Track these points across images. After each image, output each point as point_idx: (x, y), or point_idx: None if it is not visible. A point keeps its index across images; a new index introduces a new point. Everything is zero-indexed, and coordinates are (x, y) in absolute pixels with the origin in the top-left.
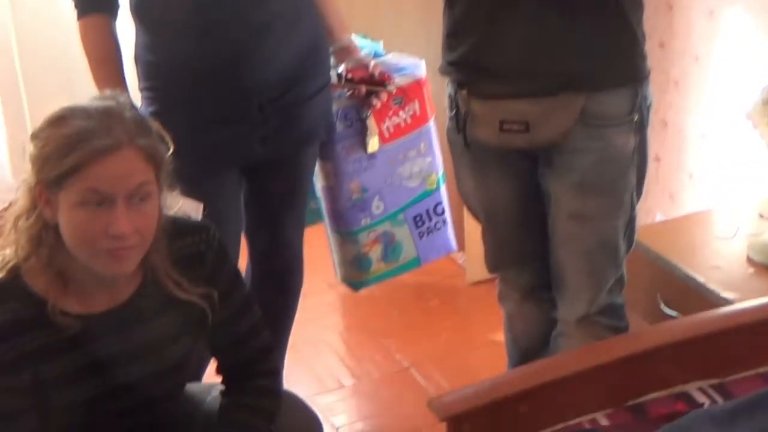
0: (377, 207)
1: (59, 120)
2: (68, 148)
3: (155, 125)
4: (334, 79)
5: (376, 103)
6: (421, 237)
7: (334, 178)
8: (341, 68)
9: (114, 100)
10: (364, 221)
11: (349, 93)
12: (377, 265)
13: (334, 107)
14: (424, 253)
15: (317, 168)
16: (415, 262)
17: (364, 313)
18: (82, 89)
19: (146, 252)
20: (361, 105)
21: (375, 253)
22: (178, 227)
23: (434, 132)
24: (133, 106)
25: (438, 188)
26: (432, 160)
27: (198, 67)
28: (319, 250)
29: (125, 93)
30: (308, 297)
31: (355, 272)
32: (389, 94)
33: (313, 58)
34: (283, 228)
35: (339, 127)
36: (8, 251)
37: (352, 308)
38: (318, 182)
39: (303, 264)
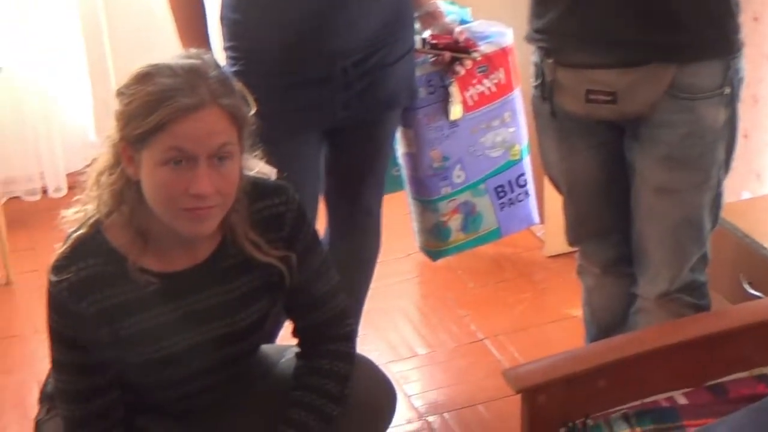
0: (458, 176)
1: (145, 77)
2: (153, 106)
3: (239, 85)
4: (418, 44)
5: (460, 70)
6: (502, 208)
7: (415, 145)
8: (426, 34)
9: (199, 59)
10: (445, 190)
11: (433, 59)
12: (456, 235)
13: (418, 73)
14: (505, 225)
15: (399, 134)
16: (496, 234)
17: (441, 282)
18: (167, 48)
19: (226, 213)
20: (444, 72)
21: (454, 223)
22: (258, 189)
23: (519, 102)
24: (217, 65)
25: (521, 159)
26: (516, 130)
27: (283, 29)
28: (398, 218)
29: (210, 52)
30: (385, 264)
31: (434, 241)
32: (474, 61)
33: (397, 22)
34: (362, 193)
35: (422, 93)
36: (90, 207)
37: (429, 277)
38: (399, 149)
39: (381, 230)
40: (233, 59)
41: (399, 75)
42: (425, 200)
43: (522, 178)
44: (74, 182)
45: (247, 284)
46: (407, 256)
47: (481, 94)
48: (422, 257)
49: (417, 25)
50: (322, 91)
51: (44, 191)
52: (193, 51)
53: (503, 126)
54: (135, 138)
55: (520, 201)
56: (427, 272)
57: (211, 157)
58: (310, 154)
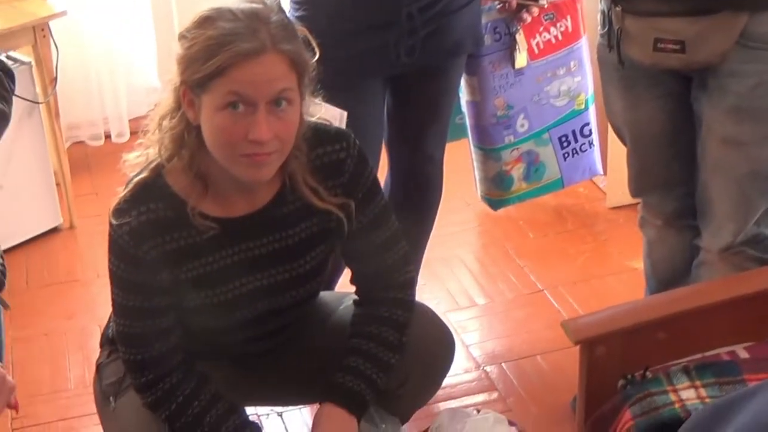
0: (522, 125)
1: (206, 21)
2: (213, 50)
3: (301, 30)
4: None
5: (527, 17)
6: (565, 158)
7: (479, 93)
8: None
9: (261, 3)
10: (508, 139)
11: (499, 6)
12: (518, 185)
13: (483, 20)
14: (568, 175)
15: (462, 82)
16: (558, 184)
17: (501, 232)
18: None
19: (285, 159)
20: (510, 19)
21: (517, 171)
22: (319, 135)
23: (586, 50)
24: (280, 9)
25: (586, 109)
26: (582, 79)
27: None
28: (459, 166)
29: None
30: (445, 214)
31: (496, 190)
32: (541, 8)
33: None
34: (425, 141)
35: (487, 40)
36: (152, 151)
37: (489, 227)
38: (463, 97)
39: (443, 179)
40: (297, 3)
41: (464, 21)
42: (488, 149)
43: (586, 127)
44: (137, 127)
45: (305, 230)
46: (468, 205)
47: (548, 42)
48: (483, 206)
49: None
50: (387, 36)
51: (107, 136)
52: None
53: (569, 75)
54: (195, 82)
55: (584, 151)
56: (487, 222)
57: (270, 102)
58: (373, 100)
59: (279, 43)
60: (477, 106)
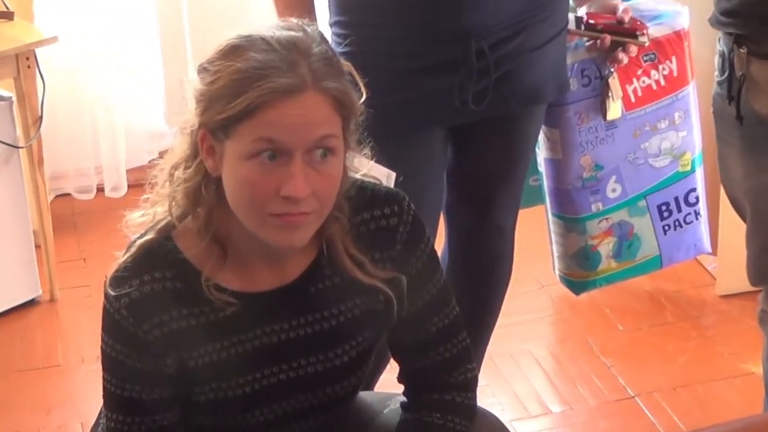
0: (613, 190)
1: (234, 50)
2: (241, 86)
3: (346, 65)
4: (571, 24)
5: (623, 58)
6: (665, 231)
7: (562, 150)
8: (582, 12)
9: (301, 31)
10: (595, 206)
11: (589, 43)
12: (607, 263)
13: (569, 60)
14: (668, 253)
15: (541, 136)
16: (655, 263)
17: (583, 323)
18: (259, 19)
19: (324, 222)
20: (603, 60)
21: (605, 247)
22: (365, 195)
23: (693, 99)
24: (323, 39)
25: (693, 171)
26: (688, 134)
27: (405, 1)
28: (533, 239)
29: (315, 23)
30: (514, 297)
31: (578, 270)
32: (640, 47)
33: None
34: (494, 208)
35: (573, 85)
36: (160, 208)
37: (568, 316)
38: (540, 154)
39: (513, 255)
40: (340, 37)
41: (546, 62)
42: (570, 218)
43: (692, 194)
44: (136, 180)
45: (345, 312)
46: (542, 287)
47: (647, 88)
48: (561, 290)
49: (571, 1)
50: (451, 78)
51: (100, 189)
52: (293, 21)
53: (672, 129)
54: (218, 124)
55: (689, 224)
56: (565, 309)
57: (309, 151)
58: (432, 156)
59: (321, 79)
60: (558, 165)
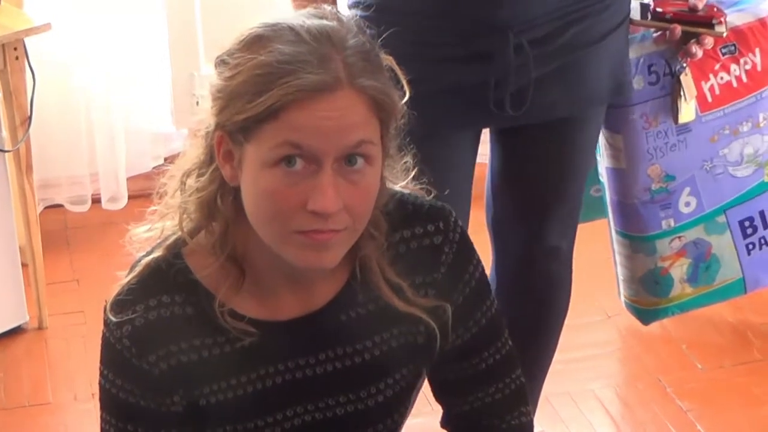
0: (687, 204)
1: (257, 41)
2: (265, 83)
3: (387, 59)
4: (635, 13)
5: (697, 51)
6: (749, 251)
7: (626, 158)
8: None
9: (335, 20)
10: (666, 223)
11: (657, 35)
12: (681, 288)
13: (633, 55)
14: (753, 276)
15: (602, 141)
16: (738, 288)
17: (655, 359)
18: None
19: (357, 240)
20: (673, 53)
21: (679, 270)
22: (406, 209)
23: None
24: (360, 30)
25: None
26: None
27: None
28: (596, 259)
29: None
30: (575, 329)
31: (647, 296)
32: (717, 38)
33: None
34: (547, 226)
35: (638, 83)
36: (169, 222)
37: (638, 351)
38: (602, 162)
39: (571, 280)
40: (361, 20)
41: (605, 58)
42: (637, 237)
43: None
44: (138, 189)
45: (380, 345)
46: (608, 318)
47: (726, 85)
48: (628, 320)
49: None
50: (484, 71)
51: (96, 200)
52: (326, 8)
53: (756, 132)
54: (237, 126)
55: None
56: (635, 344)
57: (341, 159)
58: (462, 162)
59: (357, 76)
60: (622, 176)
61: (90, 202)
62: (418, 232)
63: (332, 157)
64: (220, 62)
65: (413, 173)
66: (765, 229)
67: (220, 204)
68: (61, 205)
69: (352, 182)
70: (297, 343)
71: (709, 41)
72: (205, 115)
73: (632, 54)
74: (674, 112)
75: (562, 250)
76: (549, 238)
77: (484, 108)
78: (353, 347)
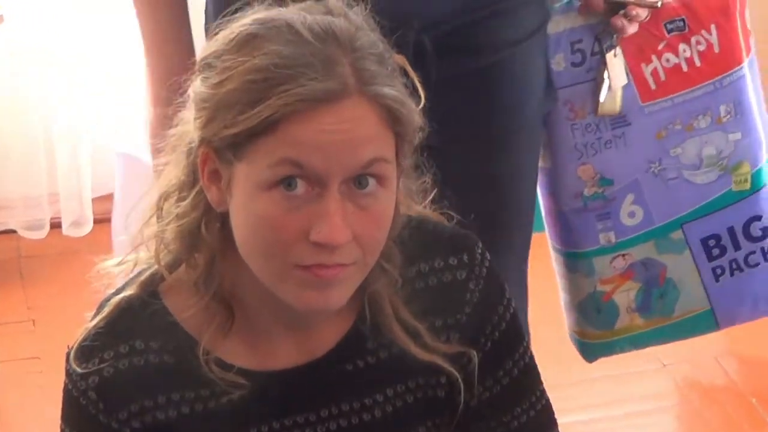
0: (631, 214)
1: (250, 41)
2: (260, 91)
3: (399, 59)
4: None
5: (625, 25)
6: (717, 277)
7: (550, 155)
8: None
9: (342, 15)
10: (605, 237)
11: (580, 3)
12: (628, 319)
13: (553, 29)
14: (725, 308)
15: None
16: (707, 322)
17: (719, 416)
18: None
19: (367, 275)
20: (603, 27)
21: (624, 295)
22: (424, 238)
23: (754, 86)
24: (372, 27)
25: (756, 190)
26: (744, 137)
27: None
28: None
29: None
30: (623, 379)
31: (588, 326)
32: (653, 10)
33: None
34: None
35: (558, 64)
36: (144, 253)
37: (697, 405)
38: None
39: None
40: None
41: (531, 57)
42: (571, 253)
43: (757, 225)
44: (105, 212)
45: (394, 400)
46: (662, 367)
47: (674, 69)
48: (688, 369)
49: None
50: None
51: (56, 225)
52: (332, 1)
53: (717, 128)
54: (226, 142)
55: (754, 266)
56: (693, 396)
57: (350, 181)
58: None
59: (369, 83)
60: (549, 177)
61: (48, 227)
62: (439, 265)
63: (339, 179)
64: (205, 66)
65: (432, 195)
66: (737, 250)
67: (204, 233)
68: (14, 231)
69: (362, 207)
70: (294, 398)
71: (639, 13)
72: (186, 127)
73: (552, 28)
74: (595, 101)
75: (510, 275)
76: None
77: None
78: (361, 402)
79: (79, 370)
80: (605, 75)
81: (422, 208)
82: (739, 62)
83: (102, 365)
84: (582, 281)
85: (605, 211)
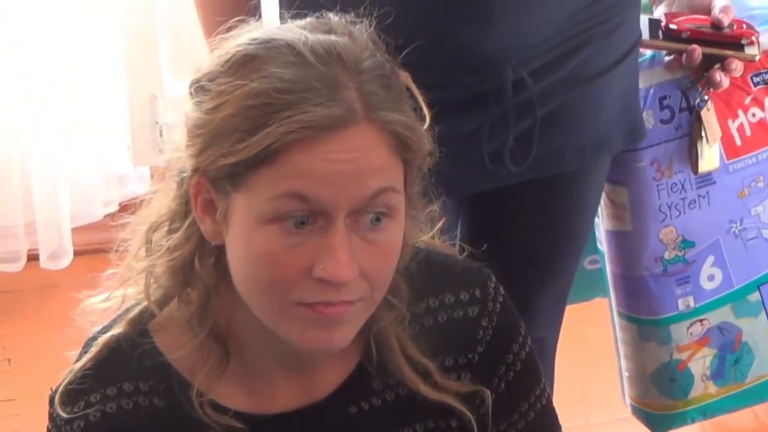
0: (710, 277)
1: (248, 62)
2: (260, 117)
3: (406, 78)
4: (643, 31)
5: (723, 79)
6: None
7: (632, 218)
8: (659, 12)
9: (345, 33)
10: (684, 302)
11: (670, 58)
12: (703, 387)
13: (641, 85)
14: None
15: (603, 199)
16: None
17: None
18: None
19: (373, 312)
20: (692, 83)
21: (700, 363)
22: (433, 272)
23: None
24: (378, 47)
25: None
26: None
27: (418, 10)
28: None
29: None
30: None
31: (660, 397)
32: (748, 63)
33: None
34: (531, 312)
35: (648, 121)
36: (133, 289)
37: None
38: (601, 225)
39: (554, 377)
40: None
41: (616, 93)
42: (647, 320)
43: None
44: (86, 243)
45: None
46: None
47: (760, 124)
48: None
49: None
50: (477, 120)
51: (32, 257)
52: (335, 19)
53: None
54: (223, 171)
55: None
56: None
57: (356, 213)
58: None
59: (377, 108)
60: (627, 241)
61: (25, 259)
62: (449, 301)
63: (346, 211)
64: (199, 88)
65: (440, 224)
66: None
67: (198, 267)
68: None
69: (369, 241)
70: None
71: (737, 66)
72: (178, 153)
73: (640, 84)
74: (693, 159)
75: (547, 343)
76: (532, 328)
77: (477, 164)
78: None
79: (63, 414)
80: (702, 132)
81: (430, 239)
82: None
83: (88, 409)
84: (657, 350)
85: (685, 275)
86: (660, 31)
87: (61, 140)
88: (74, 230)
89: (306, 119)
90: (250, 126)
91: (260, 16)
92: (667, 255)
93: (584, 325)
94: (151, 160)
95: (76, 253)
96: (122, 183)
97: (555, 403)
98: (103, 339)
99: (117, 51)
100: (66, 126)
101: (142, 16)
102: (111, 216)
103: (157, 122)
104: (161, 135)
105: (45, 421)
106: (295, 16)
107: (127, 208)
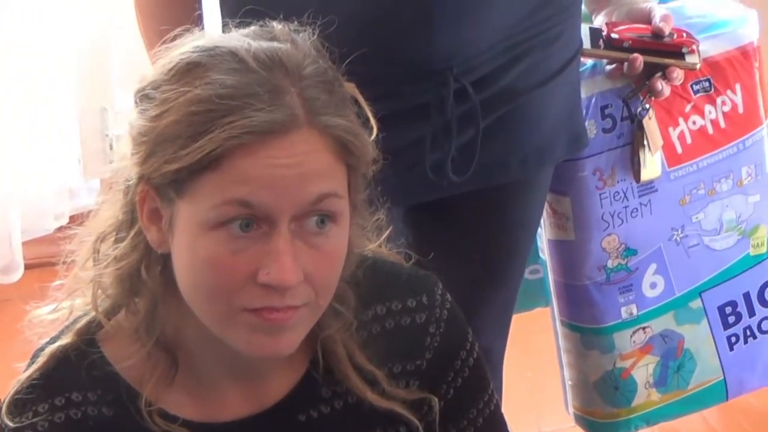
0: (652, 285)
1: (191, 69)
2: (203, 123)
3: (349, 86)
4: (586, 41)
5: (664, 88)
6: (732, 345)
7: (575, 227)
8: (599, 21)
9: (288, 41)
10: (627, 310)
11: (611, 67)
12: (646, 395)
13: (583, 94)
14: (735, 377)
15: (545, 208)
16: (718, 393)
17: None
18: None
19: (319, 319)
20: (634, 91)
21: (643, 370)
22: (380, 279)
23: None
24: (320, 53)
25: None
26: (763, 199)
27: (360, 20)
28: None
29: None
30: None
31: (604, 405)
32: (689, 71)
33: (551, 5)
34: (478, 321)
35: (590, 130)
36: (80, 300)
37: None
38: (543, 235)
39: (502, 387)
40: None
41: (558, 102)
42: (590, 329)
43: None
44: (37, 257)
45: None
46: None
47: (700, 132)
48: None
49: (583, 7)
50: (418, 131)
51: None
52: (278, 26)
53: (738, 191)
54: (167, 178)
55: (766, 332)
56: None
57: (300, 218)
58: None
59: (319, 113)
60: (570, 250)
61: None
62: (396, 307)
63: (289, 216)
64: (143, 97)
65: (387, 233)
66: (751, 316)
67: (144, 276)
68: None
69: (314, 246)
70: None
71: (678, 75)
72: (124, 163)
73: (582, 93)
74: (635, 167)
75: (493, 351)
76: (478, 336)
77: (420, 174)
78: None
79: (11, 424)
80: (644, 140)
81: (377, 247)
82: (761, 122)
83: (36, 419)
84: (600, 358)
85: (628, 283)
86: (601, 41)
87: (9, 153)
88: (25, 244)
89: (248, 124)
90: (193, 132)
91: (203, 26)
92: (609, 263)
93: (535, 334)
94: (102, 172)
95: (27, 267)
96: (73, 196)
97: (507, 411)
98: (50, 349)
99: (69, 64)
100: (16, 139)
101: (94, 27)
102: (62, 229)
103: (107, 135)
104: (111, 148)
105: None
106: (238, 25)
107: (76, 219)
